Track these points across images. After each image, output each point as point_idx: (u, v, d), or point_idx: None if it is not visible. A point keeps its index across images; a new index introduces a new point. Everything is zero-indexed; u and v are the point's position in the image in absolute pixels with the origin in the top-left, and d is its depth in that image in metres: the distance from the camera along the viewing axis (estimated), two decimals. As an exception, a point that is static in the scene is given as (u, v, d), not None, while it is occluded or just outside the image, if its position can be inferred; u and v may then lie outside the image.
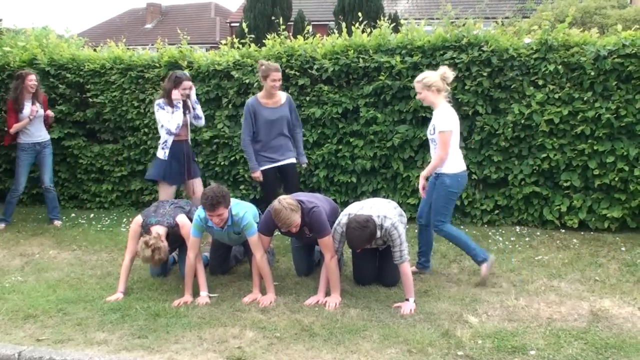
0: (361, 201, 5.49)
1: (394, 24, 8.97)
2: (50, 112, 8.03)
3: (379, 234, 5.08)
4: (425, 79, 5.43)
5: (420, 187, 5.66)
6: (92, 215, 8.42)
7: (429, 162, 5.61)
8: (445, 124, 5.36)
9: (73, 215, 8.46)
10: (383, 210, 5.16)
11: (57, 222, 7.97)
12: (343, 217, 5.20)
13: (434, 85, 5.40)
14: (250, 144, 6.34)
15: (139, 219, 5.54)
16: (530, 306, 4.96)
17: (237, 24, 25.08)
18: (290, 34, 8.57)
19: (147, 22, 38.34)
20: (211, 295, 5.29)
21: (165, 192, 6.58)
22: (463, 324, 4.63)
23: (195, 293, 5.25)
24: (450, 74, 5.47)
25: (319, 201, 5.36)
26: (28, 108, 7.67)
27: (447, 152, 5.36)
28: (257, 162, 6.33)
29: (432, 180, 5.61)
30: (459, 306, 4.98)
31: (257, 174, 6.35)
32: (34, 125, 7.73)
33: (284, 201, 5.01)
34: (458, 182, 5.47)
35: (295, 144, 6.61)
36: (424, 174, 5.55)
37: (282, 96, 6.50)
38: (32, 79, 7.71)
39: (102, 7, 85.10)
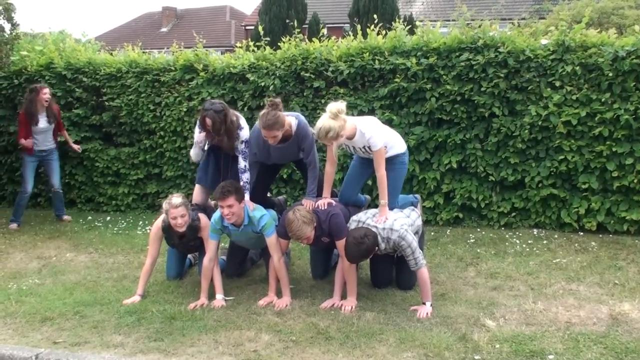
0: (374, 209, 5.39)
1: (410, 26, 8.95)
2: (78, 148, 8.48)
3: (383, 246, 5.04)
4: (329, 134, 4.88)
5: None
6: (108, 218, 8.46)
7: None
8: (377, 141, 5.13)
9: (90, 218, 8.51)
10: (389, 222, 5.06)
11: (66, 217, 8.23)
12: (352, 223, 5.16)
13: (337, 130, 4.91)
14: None
15: (159, 222, 5.54)
16: (548, 310, 4.91)
17: (252, 27, 25.13)
18: (306, 36, 8.56)
19: (162, 26, 38.57)
20: (227, 298, 5.28)
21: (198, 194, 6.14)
22: (480, 328, 4.58)
23: (211, 296, 5.25)
24: (333, 106, 4.96)
25: (337, 206, 5.32)
26: (44, 121, 7.78)
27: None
28: None
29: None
30: (476, 310, 4.93)
31: None
32: (42, 135, 7.87)
33: (298, 212, 4.98)
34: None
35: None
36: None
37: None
38: (46, 93, 7.82)
39: (118, 11, 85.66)
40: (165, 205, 5.38)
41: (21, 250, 7.05)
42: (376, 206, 5.37)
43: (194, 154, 5.86)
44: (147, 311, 5.01)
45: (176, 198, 5.38)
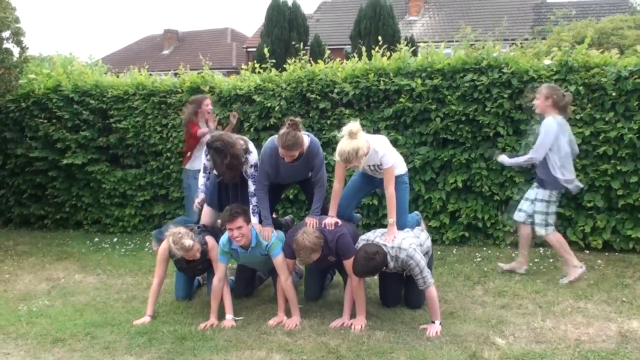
0: (382, 229, 5.47)
1: (413, 47, 9.04)
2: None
3: (392, 265, 5.08)
4: (359, 152, 5.01)
5: None
6: (115, 239, 8.50)
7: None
8: (389, 159, 5.27)
9: (96, 239, 8.54)
10: (398, 240, 5.11)
11: None
12: (360, 242, 5.20)
13: (364, 147, 5.09)
14: None
15: (165, 244, 5.56)
16: (557, 327, 4.93)
17: (254, 49, 25.34)
18: (310, 58, 8.65)
19: (164, 49, 38.78)
20: (237, 318, 5.30)
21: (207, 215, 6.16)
22: (490, 346, 4.60)
23: (221, 316, 5.27)
24: (350, 127, 5.05)
25: (344, 226, 5.36)
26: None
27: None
28: None
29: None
30: (485, 328, 4.95)
31: None
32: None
33: (307, 239, 4.98)
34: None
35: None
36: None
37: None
38: (208, 104, 7.45)
39: (120, 34, 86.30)
40: (177, 250, 5.25)
41: (30, 272, 7.07)
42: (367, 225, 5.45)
43: (200, 179, 5.98)
44: (157, 332, 5.03)
45: (186, 240, 5.25)
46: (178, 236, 5.28)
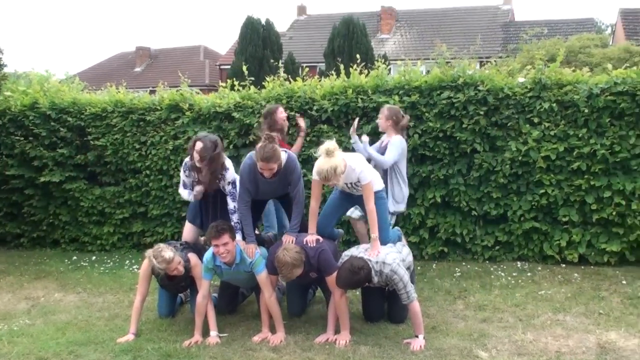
0: (365, 245, 5.56)
1: (390, 66, 9.18)
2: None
3: (376, 279, 5.14)
4: (337, 170, 5.14)
5: None
6: (93, 257, 8.43)
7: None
8: (367, 175, 5.38)
9: (75, 258, 8.46)
10: (382, 255, 5.18)
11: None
12: (344, 257, 5.27)
13: (342, 165, 5.19)
14: None
15: (147, 261, 5.57)
16: (538, 340, 5.03)
17: (227, 67, 25.42)
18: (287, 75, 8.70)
19: (136, 66, 38.59)
20: (221, 335, 5.31)
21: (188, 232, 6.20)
22: (473, 359, 4.68)
23: (205, 333, 5.28)
24: (327, 146, 5.18)
25: (325, 242, 5.41)
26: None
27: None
28: None
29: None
30: (468, 342, 5.03)
31: None
32: None
33: (288, 255, 5.03)
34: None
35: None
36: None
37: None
38: (282, 111, 7.01)
39: (92, 50, 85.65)
40: (159, 263, 5.29)
41: (8, 291, 6.98)
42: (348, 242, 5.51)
43: (183, 192, 5.96)
44: (142, 349, 5.02)
45: (166, 252, 5.32)
46: (158, 250, 5.34)
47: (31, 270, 7.86)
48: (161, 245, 5.43)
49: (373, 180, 5.45)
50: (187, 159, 5.78)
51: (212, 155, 5.50)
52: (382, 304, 5.63)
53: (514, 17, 33.05)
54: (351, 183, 5.42)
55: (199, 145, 5.53)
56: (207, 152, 5.50)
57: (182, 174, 5.88)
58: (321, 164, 5.12)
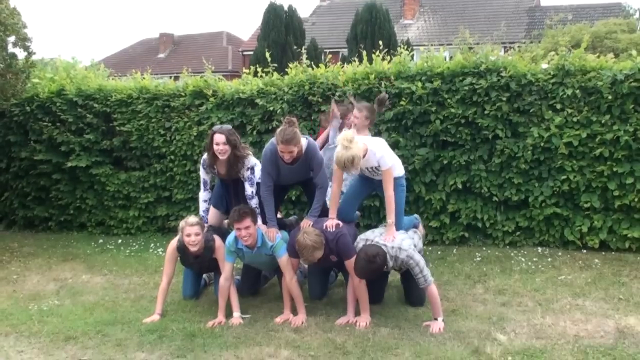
0: (380, 229, 5.62)
1: (413, 52, 9.19)
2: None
3: (391, 264, 5.21)
4: (354, 161, 5.10)
5: None
6: (119, 240, 8.61)
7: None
8: (387, 160, 5.40)
9: (101, 241, 8.65)
10: (398, 241, 5.23)
11: None
12: (360, 242, 5.33)
13: (360, 155, 5.15)
14: None
15: (174, 242, 5.71)
16: (556, 324, 5.07)
17: (250, 52, 25.49)
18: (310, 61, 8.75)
19: (160, 52, 38.86)
20: (244, 316, 5.43)
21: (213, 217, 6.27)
22: (492, 342, 4.74)
23: (228, 314, 5.40)
24: (344, 136, 5.17)
25: (344, 227, 5.49)
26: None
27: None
28: None
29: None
30: (487, 325, 5.09)
31: None
32: None
33: (308, 238, 5.12)
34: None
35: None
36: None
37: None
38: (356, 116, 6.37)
39: (116, 37, 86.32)
40: (182, 223, 5.61)
41: (37, 272, 7.17)
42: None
43: (202, 204, 6.14)
44: (167, 329, 5.16)
45: (193, 217, 5.65)
46: (186, 219, 5.64)
47: (59, 252, 8.06)
48: (193, 215, 5.82)
49: (394, 166, 5.50)
50: (204, 157, 5.92)
51: (231, 144, 5.63)
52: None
53: (540, 1, 32.64)
54: (371, 167, 5.46)
55: (218, 137, 5.64)
56: (231, 134, 5.65)
57: (201, 172, 6.02)
58: (339, 154, 5.16)
